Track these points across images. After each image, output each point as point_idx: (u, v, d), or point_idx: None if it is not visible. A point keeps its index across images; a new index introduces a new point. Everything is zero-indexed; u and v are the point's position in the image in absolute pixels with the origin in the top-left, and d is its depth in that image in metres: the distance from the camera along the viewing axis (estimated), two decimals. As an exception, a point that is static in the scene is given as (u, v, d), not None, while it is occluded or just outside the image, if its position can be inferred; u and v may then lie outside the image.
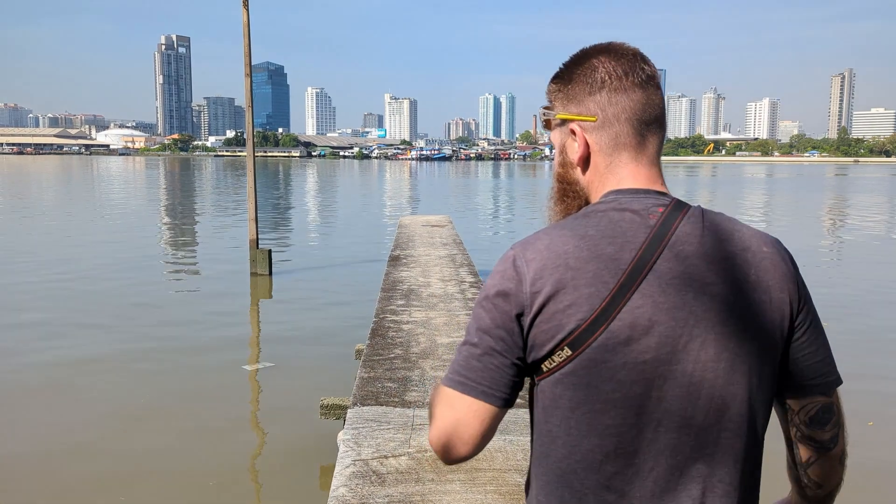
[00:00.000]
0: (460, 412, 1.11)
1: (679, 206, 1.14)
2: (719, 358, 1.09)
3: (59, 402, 7.03)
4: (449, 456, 1.15)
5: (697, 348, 1.08)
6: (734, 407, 1.10)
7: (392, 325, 5.44)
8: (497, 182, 63.78)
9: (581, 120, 1.19)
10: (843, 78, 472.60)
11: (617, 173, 1.18)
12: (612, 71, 1.17)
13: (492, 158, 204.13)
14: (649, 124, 1.18)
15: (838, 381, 1.19)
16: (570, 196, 1.25)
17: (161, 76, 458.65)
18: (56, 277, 13.20)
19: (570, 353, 1.08)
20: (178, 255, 17.25)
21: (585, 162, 1.21)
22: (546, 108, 1.25)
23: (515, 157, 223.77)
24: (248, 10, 13.46)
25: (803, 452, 1.23)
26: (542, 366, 1.11)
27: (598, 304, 1.06)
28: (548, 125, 1.28)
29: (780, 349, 1.15)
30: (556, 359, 1.09)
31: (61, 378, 7.66)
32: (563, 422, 1.11)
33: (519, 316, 1.10)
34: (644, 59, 1.19)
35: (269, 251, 14.05)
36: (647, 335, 1.07)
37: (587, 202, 1.22)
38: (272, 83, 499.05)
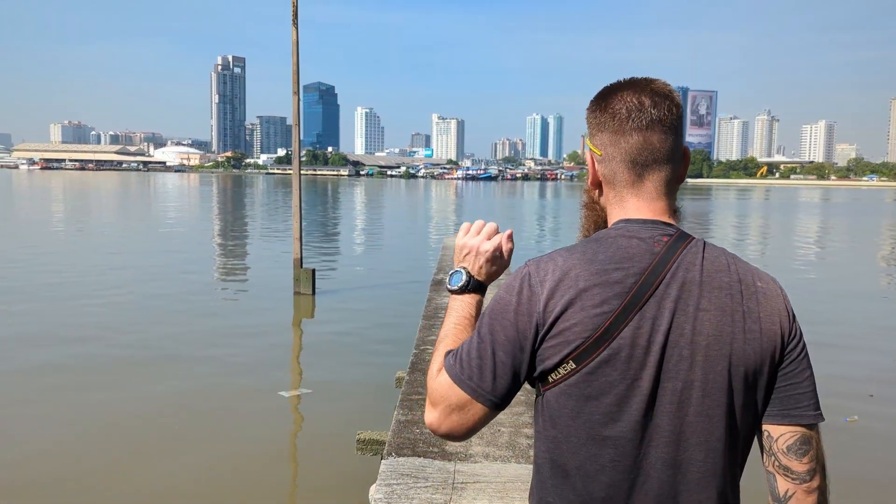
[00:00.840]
0: (466, 413, 1.23)
1: (683, 237, 1.26)
2: (707, 379, 1.20)
3: (89, 418, 6.86)
4: (445, 436, 1.27)
5: (688, 368, 1.20)
6: (720, 426, 1.21)
7: (433, 358, 5.13)
8: (543, 202, 63.17)
9: (593, 150, 1.34)
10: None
11: (623, 205, 1.31)
12: (617, 112, 1.28)
13: (538, 178, 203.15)
14: (645, 165, 1.28)
15: (819, 418, 1.26)
16: (592, 208, 1.40)
17: (217, 95, 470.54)
18: (101, 298, 13.23)
19: (574, 366, 1.19)
20: (224, 273, 17.25)
21: (599, 186, 1.36)
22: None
23: (562, 177, 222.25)
24: (297, 28, 13.42)
25: (781, 485, 1.25)
26: (549, 377, 1.22)
27: (603, 323, 1.18)
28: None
29: (767, 377, 1.24)
30: (562, 371, 1.21)
31: (95, 396, 7.51)
32: (565, 430, 1.23)
33: (535, 333, 1.21)
34: (657, 101, 1.27)
35: (313, 271, 13.88)
36: (645, 354, 1.19)
37: (605, 221, 1.36)
38: (323, 102, 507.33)
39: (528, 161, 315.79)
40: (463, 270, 1.40)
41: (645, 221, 1.27)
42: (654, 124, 1.27)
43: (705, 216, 45.20)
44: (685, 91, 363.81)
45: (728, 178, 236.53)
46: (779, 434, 1.25)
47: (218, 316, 11.87)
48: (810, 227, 37.26)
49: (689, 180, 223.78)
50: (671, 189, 1.32)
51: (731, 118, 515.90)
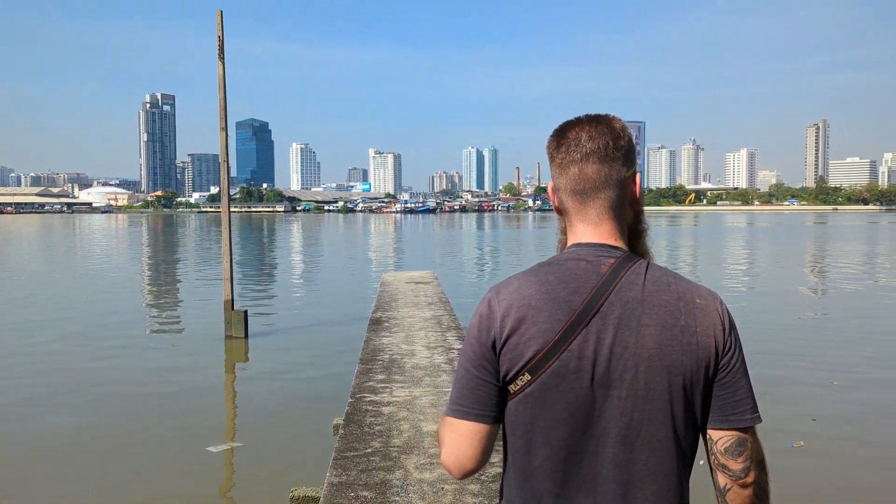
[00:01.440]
0: (463, 434, 1.37)
1: (628, 259, 1.39)
2: (649, 388, 1.32)
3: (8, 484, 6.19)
4: (461, 472, 1.39)
5: (631, 378, 1.32)
6: (662, 430, 1.34)
7: (370, 408, 4.72)
8: (482, 234, 63.41)
9: (553, 182, 1.49)
10: (818, 128, 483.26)
11: (573, 230, 1.45)
12: (560, 148, 1.44)
13: (476, 210, 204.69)
14: (584, 193, 1.42)
15: (755, 421, 1.37)
16: (564, 232, 1.52)
17: (145, 134, 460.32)
18: (16, 349, 12.33)
19: (529, 377, 1.33)
20: (152, 317, 16.40)
21: (561, 212, 1.50)
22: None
23: (499, 208, 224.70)
24: (223, 63, 12.99)
25: (720, 479, 1.39)
26: (509, 388, 1.36)
27: (552, 337, 1.32)
28: None
29: (703, 385, 1.35)
30: (519, 382, 1.34)
31: (8, 459, 6.81)
32: (524, 435, 1.37)
33: (493, 345, 1.35)
34: (594, 135, 1.42)
35: (245, 312, 13.28)
36: (592, 365, 1.32)
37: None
38: (257, 139, 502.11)
39: (465, 193, 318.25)
40: None
41: (592, 245, 1.41)
42: (588, 156, 1.41)
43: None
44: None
45: (659, 205, 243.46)
46: (718, 437, 1.37)
47: (143, 364, 11.14)
48: (741, 252, 38.33)
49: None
50: (617, 212, 1.43)
51: (658, 147, 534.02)
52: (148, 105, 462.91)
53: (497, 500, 1.50)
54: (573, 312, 1.32)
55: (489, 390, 1.36)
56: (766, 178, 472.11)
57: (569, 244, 1.44)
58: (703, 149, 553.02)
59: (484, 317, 1.37)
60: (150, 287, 22.76)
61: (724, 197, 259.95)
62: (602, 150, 1.41)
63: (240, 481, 6.61)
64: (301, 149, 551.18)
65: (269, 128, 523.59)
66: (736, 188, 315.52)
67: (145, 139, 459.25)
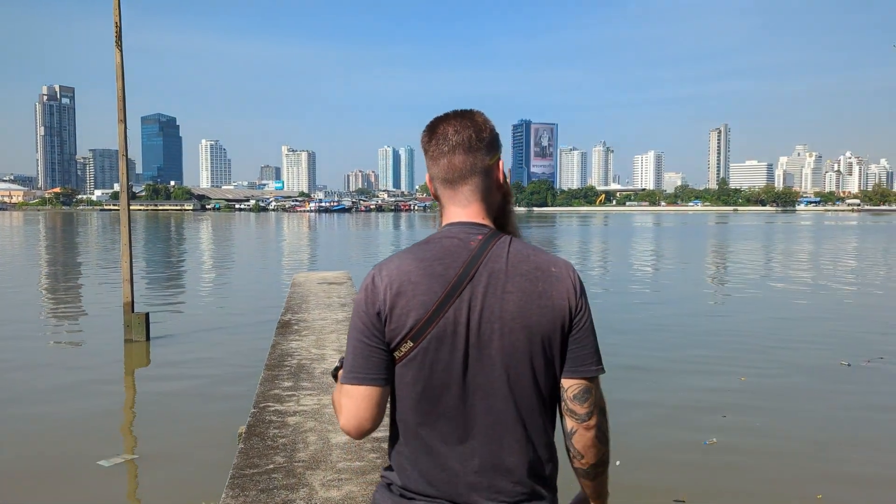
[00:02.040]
0: (359, 399, 1.54)
1: (494, 235, 1.59)
2: (514, 346, 1.52)
3: None
4: (360, 433, 1.58)
5: (498, 338, 1.52)
6: (525, 382, 1.54)
7: (275, 419, 4.37)
8: (398, 233, 63.09)
9: (429, 171, 1.66)
10: (720, 132, 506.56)
11: (447, 212, 1.64)
12: (431, 142, 1.63)
13: (392, 210, 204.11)
14: (454, 181, 1.62)
15: (599, 371, 1.60)
16: (440, 214, 1.69)
17: (42, 127, 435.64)
18: None
19: (411, 344, 1.52)
20: (44, 321, 15.27)
21: (436, 198, 1.68)
22: None
23: (416, 208, 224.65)
24: (121, 51, 12.22)
25: (567, 423, 1.60)
26: (395, 354, 1.54)
27: (431, 307, 1.50)
28: None
29: (559, 342, 1.56)
30: (403, 349, 1.53)
31: None
32: (408, 393, 1.55)
33: (378, 316, 1.52)
34: (459, 129, 1.61)
35: (147, 315, 12.54)
36: (465, 329, 1.51)
37: None
38: (164, 135, 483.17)
39: (381, 193, 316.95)
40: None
41: (463, 224, 1.60)
42: (455, 148, 1.60)
43: (551, 243, 46.88)
44: (528, 124, 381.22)
45: (571, 205, 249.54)
46: (568, 385, 1.58)
47: (32, 369, 10.31)
48: (648, 249, 39.56)
49: (535, 209, 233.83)
50: (484, 195, 1.63)
51: (570, 149, 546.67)
52: (45, 97, 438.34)
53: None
54: (448, 284, 1.51)
55: (380, 356, 1.54)
56: (672, 180, 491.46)
57: (443, 225, 1.63)
58: (612, 151, 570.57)
59: (369, 291, 1.54)
60: (47, 290, 21.31)
61: (632, 198, 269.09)
62: (466, 142, 1.60)
63: (131, 500, 6.11)
64: (211, 145, 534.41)
65: (177, 123, 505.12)
66: (644, 189, 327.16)
67: (42, 133, 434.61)
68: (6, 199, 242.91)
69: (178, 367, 10.60)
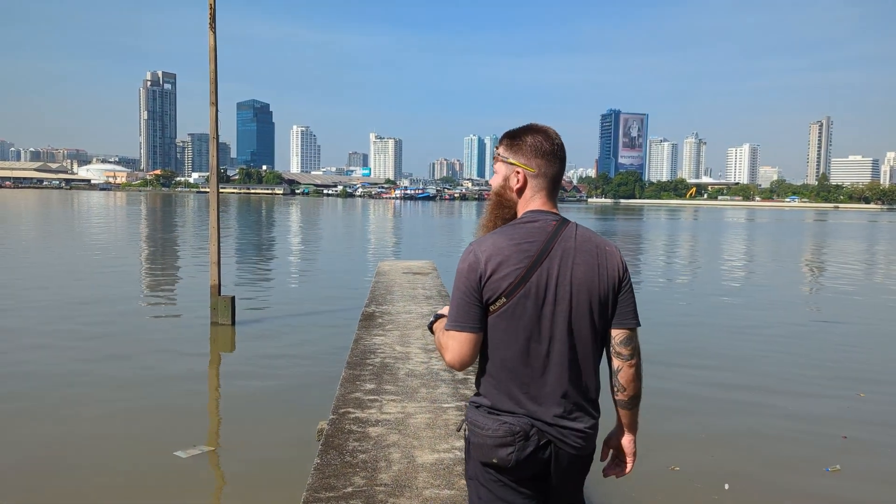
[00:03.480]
0: (463, 341, 2.06)
1: (564, 222, 2.13)
2: (579, 304, 2.07)
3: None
4: (463, 367, 2.09)
5: (568, 298, 2.05)
6: (586, 331, 2.09)
7: (355, 429, 3.95)
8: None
9: (525, 167, 2.16)
10: (822, 125, 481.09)
11: (534, 202, 2.17)
12: (547, 147, 2.15)
13: (475, 199, 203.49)
14: (556, 180, 2.19)
15: (637, 324, 2.16)
16: (504, 206, 2.21)
17: (146, 112, 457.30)
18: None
19: (505, 300, 2.03)
20: (140, 300, 15.56)
21: (520, 191, 2.18)
22: (499, 150, 2.23)
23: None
24: (214, 33, 12.18)
25: (614, 363, 2.15)
26: (491, 308, 2.05)
27: (520, 273, 2.02)
28: (496, 159, 2.24)
29: (612, 299, 2.12)
30: (498, 304, 2.04)
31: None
32: (500, 337, 2.06)
33: (479, 280, 2.03)
34: (560, 142, 2.18)
35: (233, 298, 12.53)
36: (545, 291, 2.04)
37: (515, 214, 2.19)
38: (258, 121, 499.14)
39: (465, 181, 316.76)
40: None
41: (543, 212, 2.15)
42: (561, 156, 2.20)
43: (638, 237, 45.28)
44: (617, 114, 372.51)
45: (659, 198, 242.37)
46: (615, 334, 2.14)
47: (119, 345, 10.40)
48: (740, 248, 37.55)
49: (622, 200, 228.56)
50: (557, 193, 2.22)
51: (661, 141, 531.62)
52: (149, 83, 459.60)
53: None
54: (532, 257, 2.04)
55: (478, 310, 2.05)
56: (768, 174, 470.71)
57: (524, 212, 2.16)
58: (705, 143, 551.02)
59: (472, 262, 2.05)
60: (143, 268, 21.95)
61: (725, 192, 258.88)
62: (563, 154, 2.23)
63: (205, 495, 5.88)
64: (302, 132, 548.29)
65: (270, 109, 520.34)
66: (737, 183, 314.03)
67: (145, 117, 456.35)
68: (111, 180, 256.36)
69: (260, 356, 10.48)
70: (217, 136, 12.59)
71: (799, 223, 77.47)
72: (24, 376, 8.93)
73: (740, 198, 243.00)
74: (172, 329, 12.38)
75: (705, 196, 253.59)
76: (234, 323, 12.39)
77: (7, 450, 6.54)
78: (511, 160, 2.18)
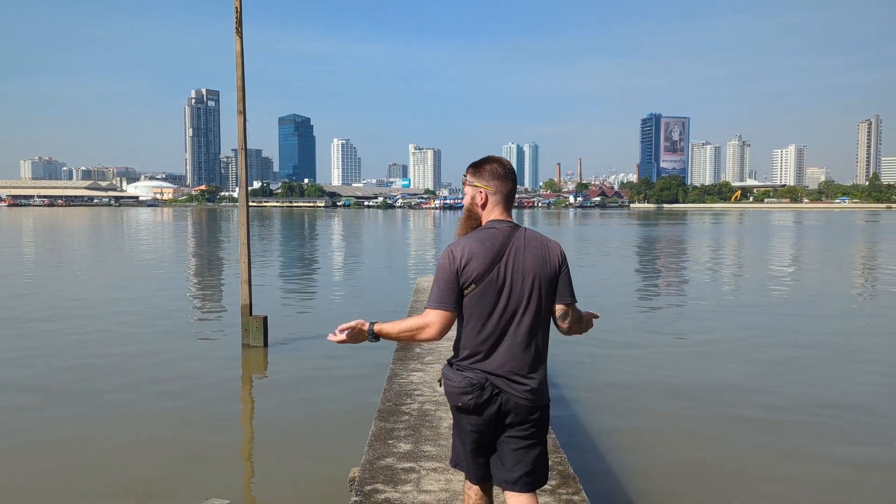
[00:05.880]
0: (443, 318, 2.70)
1: (517, 227, 2.80)
2: (531, 287, 2.73)
3: None
4: (440, 336, 2.71)
5: (521, 282, 2.72)
6: (535, 307, 2.74)
7: (387, 507, 3.07)
8: (523, 231, 61.24)
9: (485, 187, 2.83)
10: (870, 124, 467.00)
11: (494, 213, 2.84)
12: (500, 172, 2.85)
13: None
14: (509, 196, 2.87)
15: (574, 300, 2.84)
16: (472, 218, 2.87)
17: (191, 129, 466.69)
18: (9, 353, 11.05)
19: (475, 286, 2.69)
20: (171, 319, 14.91)
21: (483, 205, 2.84)
22: (466, 176, 2.90)
23: (539, 204, 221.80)
24: (241, 38, 11.54)
25: (558, 329, 2.89)
26: (465, 292, 2.70)
27: (486, 266, 2.69)
28: (464, 184, 2.90)
29: (553, 283, 2.77)
30: (470, 288, 2.69)
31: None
32: (469, 312, 2.72)
33: (456, 272, 2.69)
34: (510, 166, 2.89)
35: (265, 319, 11.81)
36: (504, 275, 2.70)
37: (479, 224, 2.85)
38: (299, 134, 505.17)
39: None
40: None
41: (501, 220, 2.82)
42: (512, 177, 2.89)
43: (681, 243, 43.68)
44: (658, 118, 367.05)
45: (703, 202, 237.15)
46: (557, 308, 2.82)
47: (139, 381, 9.71)
48: (787, 252, 35.77)
49: (665, 205, 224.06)
50: (512, 205, 2.89)
51: (703, 144, 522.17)
52: (193, 100, 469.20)
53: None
54: (494, 254, 2.70)
55: (456, 294, 2.70)
56: (815, 175, 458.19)
57: (486, 221, 2.83)
58: (749, 145, 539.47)
59: (451, 258, 2.70)
60: (181, 286, 21.49)
61: (771, 194, 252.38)
62: (514, 176, 2.92)
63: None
64: (342, 144, 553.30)
65: (311, 123, 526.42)
66: (783, 185, 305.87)
67: (190, 134, 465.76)
68: (158, 196, 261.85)
69: (291, 381, 9.70)
70: (245, 146, 11.94)
71: (851, 224, 74.39)
72: (41, 412, 8.28)
73: (788, 200, 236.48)
74: (202, 353, 11.69)
75: (751, 199, 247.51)
76: (266, 344, 11.68)
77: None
78: (476, 183, 2.85)
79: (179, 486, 6.06)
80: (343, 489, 5.10)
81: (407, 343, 3.28)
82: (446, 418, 4.60)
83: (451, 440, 4.65)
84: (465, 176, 2.88)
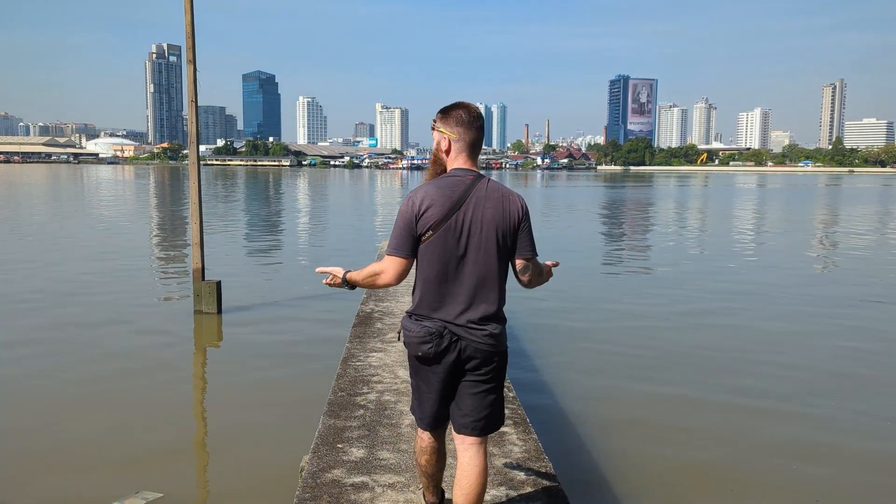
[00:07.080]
0: (399, 264, 2.73)
1: (480, 176, 2.77)
2: (490, 238, 2.71)
3: None
4: (397, 282, 2.76)
5: (479, 231, 2.69)
6: (493, 259, 2.71)
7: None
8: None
9: (449, 134, 2.80)
10: (835, 88, 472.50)
11: (457, 161, 2.81)
12: (465, 118, 2.80)
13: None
14: (474, 145, 2.81)
15: (534, 255, 2.83)
16: (438, 164, 2.85)
17: (152, 85, 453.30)
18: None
19: (432, 233, 2.67)
20: (122, 284, 14.00)
21: (447, 152, 2.81)
22: (435, 121, 2.86)
23: (507, 165, 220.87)
24: (188, -20, 10.54)
25: (519, 282, 2.89)
26: (422, 238, 2.70)
27: (444, 213, 2.66)
28: (433, 128, 2.86)
29: (512, 236, 2.76)
30: (427, 236, 2.68)
31: None
32: (427, 260, 2.70)
33: (415, 217, 2.68)
34: (477, 113, 2.83)
35: (219, 283, 11.05)
36: (462, 226, 2.68)
37: (444, 170, 2.83)
38: (263, 92, 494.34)
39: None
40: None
41: (464, 169, 2.78)
42: (478, 125, 2.83)
43: (648, 205, 43.54)
44: (626, 79, 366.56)
45: (670, 164, 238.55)
46: (517, 262, 2.81)
47: (77, 356, 8.95)
48: (749, 216, 35.78)
49: (632, 167, 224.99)
50: (477, 155, 2.85)
51: (670, 106, 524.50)
52: (154, 56, 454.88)
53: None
54: (454, 201, 2.67)
55: (413, 241, 2.69)
56: (780, 139, 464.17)
57: (451, 168, 2.80)
58: (715, 108, 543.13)
59: (410, 205, 2.69)
60: (139, 245, 20.45)
61: (736, 157, 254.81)
62: (481, 124, 2.85)
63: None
64: (308, 102, 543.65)
65: (276, 80, 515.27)
66: (748, 148, 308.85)
67: (152, 90, 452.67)
68: (118, 154, 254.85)
69: (245, 353, 9.02)
70: (196, 98, 11.05)
71: (814, 188, 75.14)
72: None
73: (752, 163, 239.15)
74: (152, 320, 10.92)
75: (717, 162, 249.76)
76: (220, 311, 10.96)
77: None
78: (441, 129, 2.81)
79: (112, 476, 5.40)
80: (293, 480, 4.50)
81: (371, 288, 3.34)
82: (407, 413, 3.99)
83: (412, 443, 4.12)
84: (433, 120, 2.84)
